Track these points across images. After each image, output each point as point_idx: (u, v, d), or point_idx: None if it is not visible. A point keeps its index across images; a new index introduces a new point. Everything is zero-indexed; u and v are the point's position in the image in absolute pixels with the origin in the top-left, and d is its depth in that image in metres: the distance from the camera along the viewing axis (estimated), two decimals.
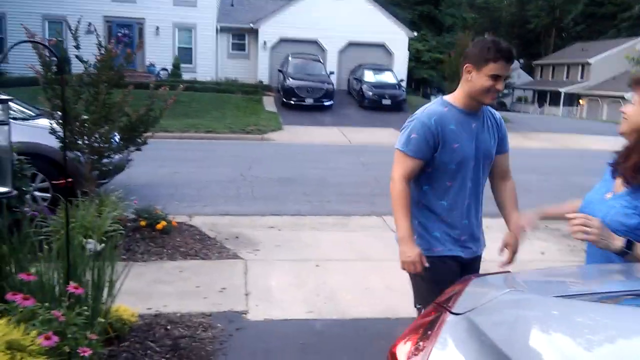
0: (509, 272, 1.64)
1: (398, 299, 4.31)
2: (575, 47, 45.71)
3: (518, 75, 49.13)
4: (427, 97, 24.39)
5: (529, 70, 51.47)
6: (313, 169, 10.75)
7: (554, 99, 42.59)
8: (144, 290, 4.14)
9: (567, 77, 43.05)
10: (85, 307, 2.62)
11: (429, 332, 1.29)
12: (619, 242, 1.73)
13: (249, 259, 5.08)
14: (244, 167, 10.32)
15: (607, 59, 38.72)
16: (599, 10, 47.66)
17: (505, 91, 31.31)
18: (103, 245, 4.44)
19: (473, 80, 2.41)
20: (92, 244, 4.34)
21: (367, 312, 4.05)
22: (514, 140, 13.40)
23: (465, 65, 2.44)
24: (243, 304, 4.08)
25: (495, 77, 2.37)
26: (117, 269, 3.16)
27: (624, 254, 1.73)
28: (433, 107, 2.54)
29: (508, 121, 21.50)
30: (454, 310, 1.29)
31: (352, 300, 4.25)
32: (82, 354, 2.32)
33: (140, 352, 3.15)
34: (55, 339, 2.21)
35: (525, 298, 1.29)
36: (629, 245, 1.72)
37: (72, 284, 2.65)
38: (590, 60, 39.88)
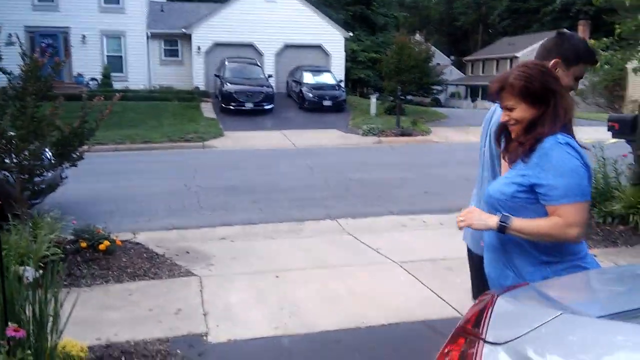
0: (527, 284, 1.48)
1: (364, 305, 4.15)
2: (503, 41, 47.45)
3: (450, 71, 50.55)
4: (365, 97, 24.52)
5: (460, 66, 53.02)
6: (260, 175, 10.48)
7: (486, 93, 43.95)
8: (91, 319, 3.78)
9: (497, 71, 44.60)
10: (29, 351, 2.28)
11: None
12: (494, 218, 1.98)
13: (203, 275, 4.77)
14: (187, 177, 9.91)
15: (533, 52, 40.07)
16: (523, 5, 49.66)
17: (439, 87, 31.96)
18: (41, 272, 4.04)
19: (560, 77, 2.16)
20: (29, 272, 3.93)
21: (335, 322, 3.85)
22: (456, 135, 13.81)
23: (554, 61, 2.26)
24: (202, 325, 3.79)
25: (577, 79, 2.24)
26: (60, 298, 2.82)
27: (504, 229, 1.95)
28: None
29: (445, 117, 21.97)
30: (489, 339, 1.10)
31: (318, 311, 4.05)
32: None
33: None
34: None
35: (582, 321, 1.11)
36: (505, 219, 1.96)
37: (11, 325, 2.31)
38: (518, 54, 41.43)
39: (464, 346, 1.15)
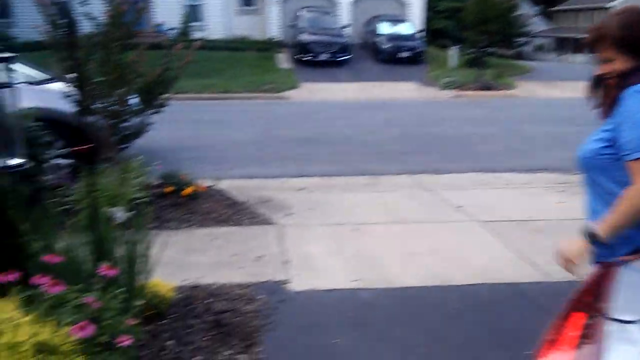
0: None
1: (445, 263, 4.03)
2: None
3: (536, 22, 47.52)
4: (444, 49, 23.56)
5: (547, 17, 49.69)
6: (335, 127, 10.37)
7: (575, 46, 41.22)
8: (177, 261, 3.89)
9: (588, 22, 41.53)
10: (121, 289, 2.35)
11: (584, 347, 0.96)
12: (581, 241, 1.79)
13: (282, 224, 4.80)
14: (264, 127, 9.98)
15: (628, 1, 37.19)
16: None
17: (524, 39, 30.18)
18: (130, 214, 4.19)
19: None
20: (119, 214, 4.09)
21: (415, 279, 3.76)
22: (542, 90, 13.07)
23: None
24: (283, 273, 3.81)
25: None
26: (148, 239, 2.89)
27: (596, 238, 1.74)
28: None
29: (531, 70, 20.80)
30: (617, 317, 0.95)
31: (397, 267, 3.96)
32: (121, 344, 2.06)
33: (182, 330, 2.90)
34: (91, 329, 1.95)
35: None
36: (587, 233, 1.77)
37: (104, 263, 2.38)
38: (611, 4, 38.32)
39: (585, 323, 1.01)
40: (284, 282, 3.66)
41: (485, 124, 10.73)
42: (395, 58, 20.01)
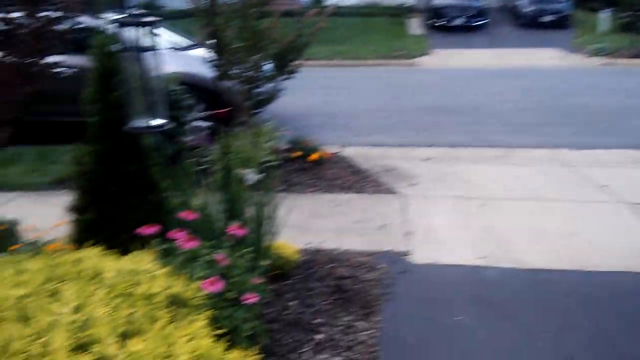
0: None
1: (581, 246, 3.72)
2: None
3: None
4: (594, 12, 21.37)
5: None
6: (468, 95, 9.93)
7: None
8: (302, 224, 4.01)
9: None
10: (249, 249, 2.45)
11: None
12: None
13: (406, 194, 4.72)
14: (392, 94, 9.83)
15: None
16: None
17: None
18: (260, 176, 4.37)
19: None
20: (250, 175, 4.27)
21: (546, 261, 3.52)
22: None
23: None
24: (404, 244, 3.77)
25: None
26: (275, 202, 2.99)
27: None
28: None
29: None
30: None
31: (527, 247, 3.73)
32: (247, 301, 2.16)
33: (304, 292, 2.99)
34: (221, 284, 2.06)
35: None
36: None
37: (234, 223, 2.50)
38: None
39: None
40: (406, 254, 3.62)
41: None
42: (537, 22, 18.58)
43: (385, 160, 5.69)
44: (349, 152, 5.87)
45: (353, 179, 5.02)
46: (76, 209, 2.56)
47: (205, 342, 1.29)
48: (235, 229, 2.44)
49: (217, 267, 2.20)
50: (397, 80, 11.68)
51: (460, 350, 2.60)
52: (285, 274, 3.14)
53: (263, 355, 2.33)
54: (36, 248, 3.09)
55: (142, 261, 1.66)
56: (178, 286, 1.58)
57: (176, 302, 1.54)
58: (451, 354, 2.58)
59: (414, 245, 3.73)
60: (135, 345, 1.17)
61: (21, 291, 1.34)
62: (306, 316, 2.75)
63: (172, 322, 1.40)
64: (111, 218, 2.47)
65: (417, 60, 14.93)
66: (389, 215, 4.28)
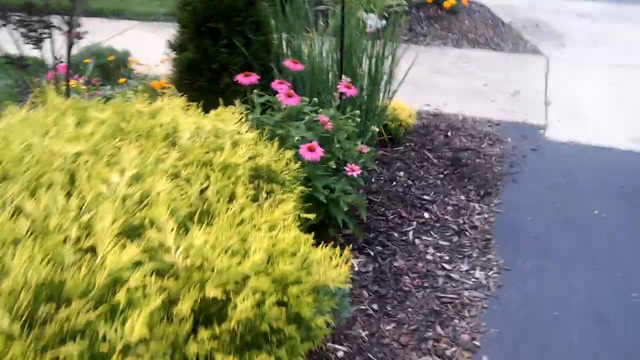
0: None
1: None
2: None
3: None
4: None
5: None
6: None
7: None
8: (422, 81, 3.57)
9: None
10: (359, 111, 2.14)
11: None
12: None
13: (551, 56, 4.03)
14: None
15: None
16: None
17: None
18: (384, 22, 3.89)
19: None
20: (372, 20, 3.81)
21: None
22: None
23: None
24: (541, 115, 3.25)
25: None
26: (397, 55, 2.58)
27: None
28: None
29: None
30: None
31: None
32: (349, 173, 1.91)
33: (416, 162, 2.68)
34: (320, 151, 1.80)
35: None
36: None
37: (344, 79, 2.16)
38: None
39: None
40: (541, 127, 3.12)
41: None
42: None
43: (531, 14, 4.87)
44: (489, 1, 5.07)
45: (490, 33, 4.36)
46: (177, 45, 2.34)
47: (289, 235, 1.06)
48: (344, 87, 2.12)
49: (319, 129, 1.93)
50: None
51: (596, 253, 2.18)
52: (397, 140, 2.82)
53: (363, 230, 2.13)
54: (144, 83, 3.01)
55: (228, 120, 1.41)
56: (267, 155, 1.34)
57: (261, 176, 1.31)
58: (584, 257, 2.15)
59: (552, 119, 3.21)
60: (199, 237, 0.96)
61: (76, 147, 1.16)
62: (413, 190, 2.47)
63: (253, 202, 1.18)
64: (211, 58, 2.22)
65: None
66: (527, 80, 3.69)
